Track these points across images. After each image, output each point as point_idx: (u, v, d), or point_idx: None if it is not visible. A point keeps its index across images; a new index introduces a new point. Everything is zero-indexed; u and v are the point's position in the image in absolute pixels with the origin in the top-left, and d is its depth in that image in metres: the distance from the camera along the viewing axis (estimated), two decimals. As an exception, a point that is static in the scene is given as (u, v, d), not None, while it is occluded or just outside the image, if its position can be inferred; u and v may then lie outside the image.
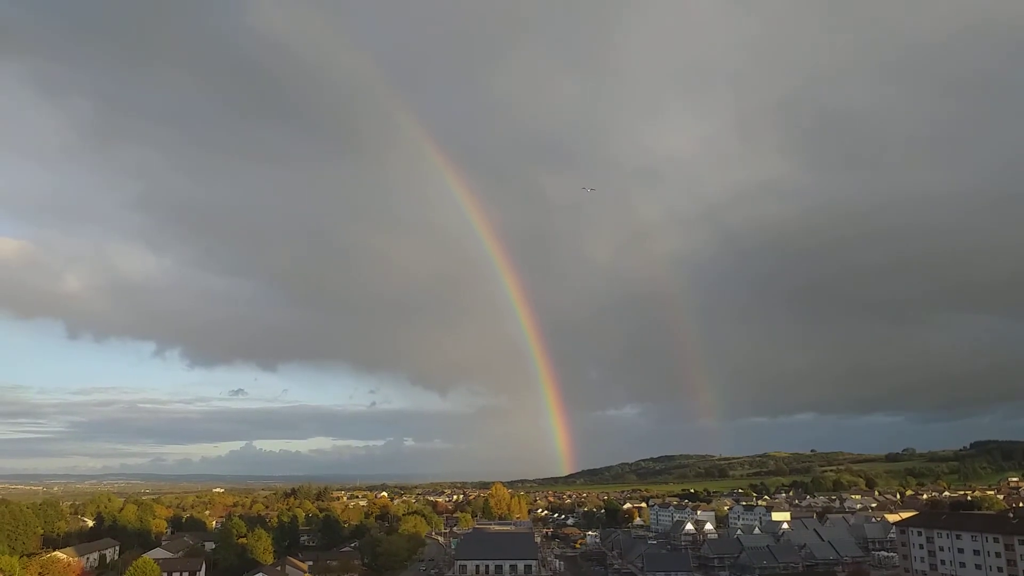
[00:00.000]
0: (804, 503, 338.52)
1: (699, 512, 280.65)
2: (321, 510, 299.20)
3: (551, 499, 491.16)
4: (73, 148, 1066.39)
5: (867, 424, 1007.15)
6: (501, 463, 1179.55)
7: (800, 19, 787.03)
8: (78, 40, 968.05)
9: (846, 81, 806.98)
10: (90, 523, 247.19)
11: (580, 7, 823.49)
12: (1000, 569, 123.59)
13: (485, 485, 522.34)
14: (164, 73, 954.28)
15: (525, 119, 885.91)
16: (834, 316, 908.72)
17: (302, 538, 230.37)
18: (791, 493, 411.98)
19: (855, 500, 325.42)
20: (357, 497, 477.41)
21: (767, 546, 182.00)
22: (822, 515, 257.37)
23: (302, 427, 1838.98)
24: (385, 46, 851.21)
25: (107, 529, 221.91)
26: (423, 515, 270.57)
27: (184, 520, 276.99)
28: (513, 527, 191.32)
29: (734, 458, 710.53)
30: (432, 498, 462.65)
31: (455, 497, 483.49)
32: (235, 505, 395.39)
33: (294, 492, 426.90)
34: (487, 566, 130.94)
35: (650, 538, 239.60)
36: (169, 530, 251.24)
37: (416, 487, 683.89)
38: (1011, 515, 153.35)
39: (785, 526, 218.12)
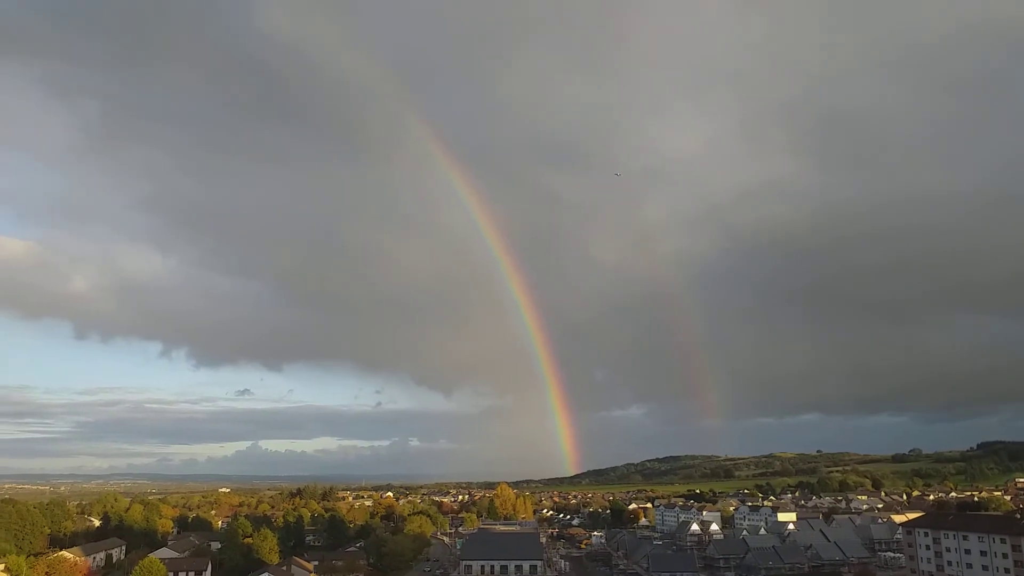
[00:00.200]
0: (810, 504, 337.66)
1: (704, 513, 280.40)
2: (327, 510, 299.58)
3: (556, 499, 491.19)
4: (80, 149, 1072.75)
5: (873, 425, 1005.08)
6: (506, 463, 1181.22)
7: (804, 20, 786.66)
8: (86, 42, 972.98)
9: (850, 81, 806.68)
10: (96, 523, 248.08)
11: (587, 8, 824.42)
12: (1007, 570, 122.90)
13: (490, 485, 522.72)
14: (171, 74, 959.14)
15: (531, 119, 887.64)
16: (840, 316, 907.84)
17: (308, 538, 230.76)
18: (797, 494, 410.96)
19: (861, 501, 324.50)
20: (362, 497, 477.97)
21: (773, 547, 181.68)
22: (828, 516, 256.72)
23: (308, 427, 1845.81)
24: (391, 46, 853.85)
25: (113, 529, 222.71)
26: (428, 515, 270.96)
27: (190, 520, 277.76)
28: (518, 527, 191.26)
29: (740, 459, 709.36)
30: (437, 498, 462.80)
31: (460, 497, 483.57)
32: (241, 505, 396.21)
33: (300, 492, 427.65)
34: (492, 566, 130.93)
35: (655, 539, 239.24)
36: (175, 530, 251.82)
37: (421, 487, 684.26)
38: (1018, 516, 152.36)
39: (791, 527, 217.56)
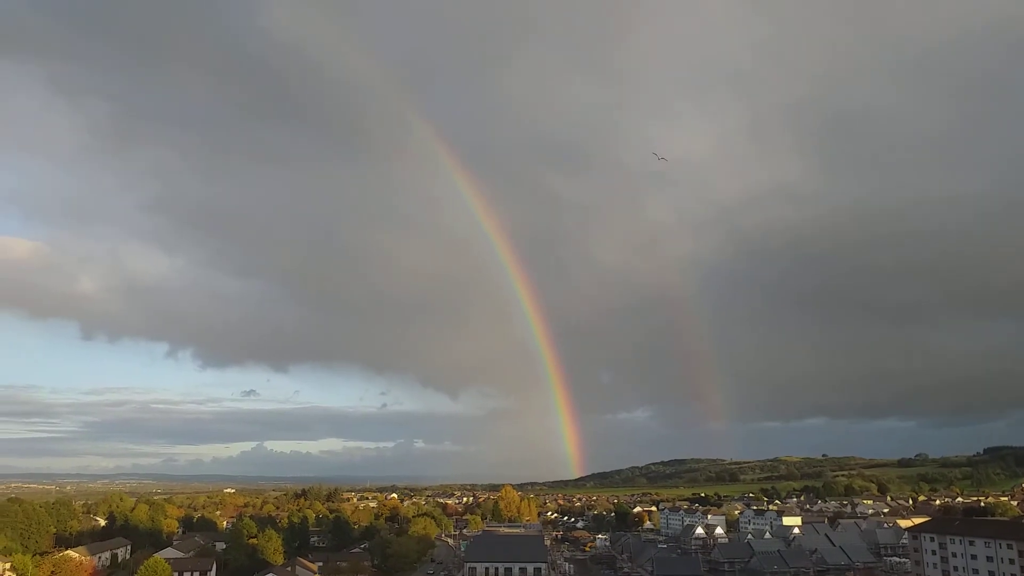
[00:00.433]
0: (815, 508, 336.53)
1: (709, 516, 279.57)
2: (331, 511, 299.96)
3: (561, 502, 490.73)
4: (87, 150, 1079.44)
5: (879, 429, 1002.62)
6: (511, 466, 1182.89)
7: (812, 21, 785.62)
8: (93, 43, 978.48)
9: (859, 83, 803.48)
10: (102, 522, 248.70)
11: (591, 8, 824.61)
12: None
13: (495, 487, 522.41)
14: (178, 75, 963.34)
15: (536, 120, 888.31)
16: (847, 320, 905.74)
17: (312, 539, 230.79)
18: (802, 498, 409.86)
19: (867, 505, 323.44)
20: (367, 498, 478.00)
21: (778, 551, 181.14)
22: (833, 520, 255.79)
23: (313, 428, 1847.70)
24: (396, 48, 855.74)
25: (119, 528, 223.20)
26: (433, 517, 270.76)
27: (195, 520, 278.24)
28: (523, 530, 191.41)
29: (745, 462, 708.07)
30: (442, 500, 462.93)
31: (465, 499, 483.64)
32: (246, 506, 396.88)
33: (304, 493, 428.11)
34: (496, 569, 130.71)
35: (660, 542, 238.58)
36: (180, 530, 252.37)
37: (426, 489, 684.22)
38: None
39: (796, 531, 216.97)
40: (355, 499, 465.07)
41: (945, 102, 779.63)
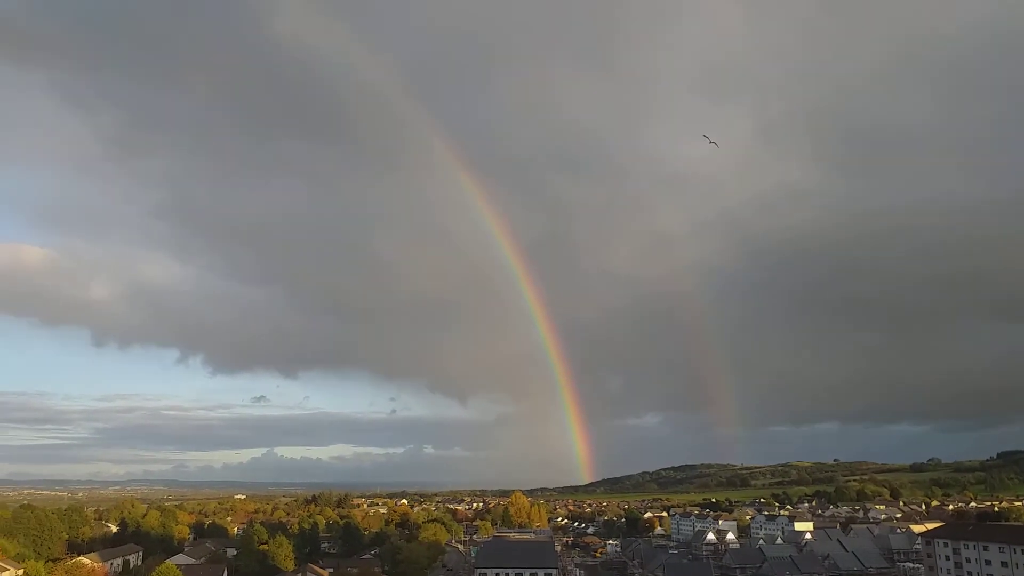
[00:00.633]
0: (827, 513, 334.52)
1: (721, 522, 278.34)
2: (342, 517, 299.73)
3: (571, 508, 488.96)
4: (98, 157, 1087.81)
5: (891, 434, 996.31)
6: (521, 471, 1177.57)
7: (829, 23, 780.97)
8: (104, 50, 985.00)
9: (877, 87, 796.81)
10: (114, 529, 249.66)
11: (603, 12, 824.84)
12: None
13: (505, 493, 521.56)
14: (188, 83, 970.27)
15: (544, 125, 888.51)
16: (859, 325, 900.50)
17: (323, 545, 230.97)
18: (814, 503, 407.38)
19: (879, 510, 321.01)
20: (377, 504, 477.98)
21: (790, 556, 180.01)
22: (846, 525, 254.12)
23: (323, 434, 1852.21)
24: (403, 56, 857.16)
25: (131, 535, 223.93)
26: (443, 523, 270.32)
27: (206, 526, 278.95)
28: (533, 536, 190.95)
29: (756, 467, 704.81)
30: (452, 506, 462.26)
31: (475, 505, 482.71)
32: (256, 512, 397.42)
33: (315, 499, 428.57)
34: (507, 574, 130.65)
35: (671, 548, 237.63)
36: (191, 536, 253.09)
37: (436, 495, 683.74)
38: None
39: (808, 536, 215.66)
40: (365, 505, 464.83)
41: (965, 106, 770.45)
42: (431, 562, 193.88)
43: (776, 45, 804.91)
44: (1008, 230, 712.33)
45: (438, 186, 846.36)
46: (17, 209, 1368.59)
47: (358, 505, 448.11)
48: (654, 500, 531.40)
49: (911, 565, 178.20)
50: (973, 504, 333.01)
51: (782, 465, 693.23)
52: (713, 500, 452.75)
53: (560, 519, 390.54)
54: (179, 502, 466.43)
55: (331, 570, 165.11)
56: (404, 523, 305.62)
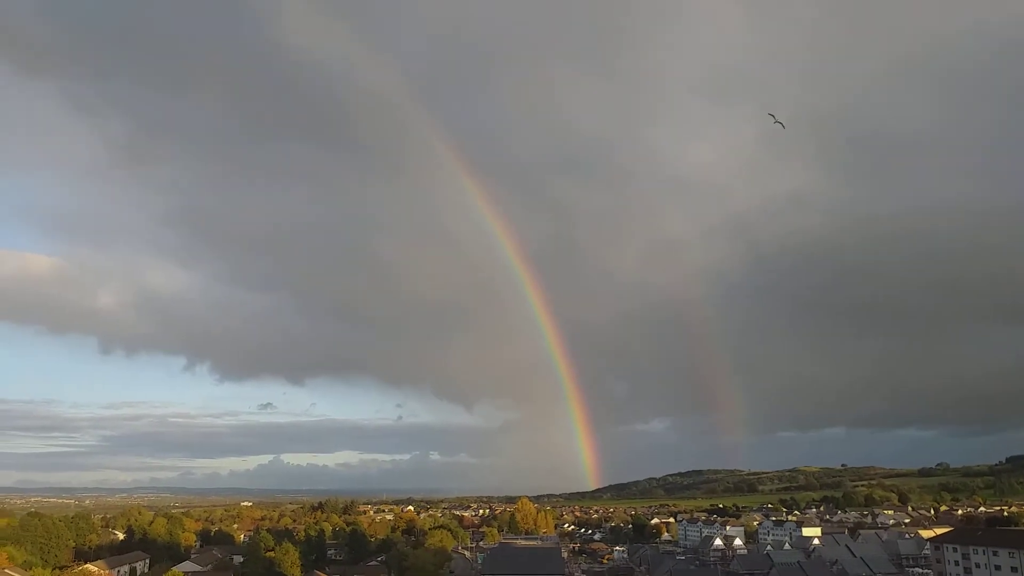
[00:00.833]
0: (835, 518, 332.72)
1: (728, 527, 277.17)
2: (348, 524, 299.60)
3: (578, 514, 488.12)
4: (105, 165, 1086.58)
5: (899, 439, 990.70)
6: (527, 477, 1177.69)
7: (837, 28, 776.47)
8: (111, 58, 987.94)
9: (883, 90, 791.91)
10: (121, 536, 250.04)
11: (607, 15, 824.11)
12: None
13: (511, 499, 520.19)
14: (195, 90, 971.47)
15: (550, 130, 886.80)
16: (866, 330, 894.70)
17: (329, 552, 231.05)
18: (822, 508, 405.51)
19: (888, 516, 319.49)
20: (384, 511, 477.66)
21: (798, 562, 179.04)
22: (854, 531, 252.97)
23: (329, 441, 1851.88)
24: (407, 61, 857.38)
25: (137, 542, 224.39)
26: (449, 529, 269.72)
27: (213, 534, 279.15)
28: (540, 542, 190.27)
29: (763, 473, 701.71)
30: (458, 512, 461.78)
31: (481, 511, 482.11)
32: (263, 519, 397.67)
33: (321, 506, 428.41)
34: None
35: (678, 554, 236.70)
36: (198, 543, 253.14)
37: (442, 501, 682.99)
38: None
39: (816, 542, 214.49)
40: (371, 512, 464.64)
41: (972, 112, 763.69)
42: (438, 568, 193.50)
43: (781, 48, 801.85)
44: (1015, 235, 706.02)
45: (442, 190, 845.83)
46: (24, 217, 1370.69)
47: (364, 512, 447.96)
48: (661, 506, 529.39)
49: (920, 570, 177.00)
50: (982, 509, 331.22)
51: (789, 470, 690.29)
52: (720, 506, 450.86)
53: (567, 525, 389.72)
54: (186, 509, 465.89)
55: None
56: (410, 530, 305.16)
